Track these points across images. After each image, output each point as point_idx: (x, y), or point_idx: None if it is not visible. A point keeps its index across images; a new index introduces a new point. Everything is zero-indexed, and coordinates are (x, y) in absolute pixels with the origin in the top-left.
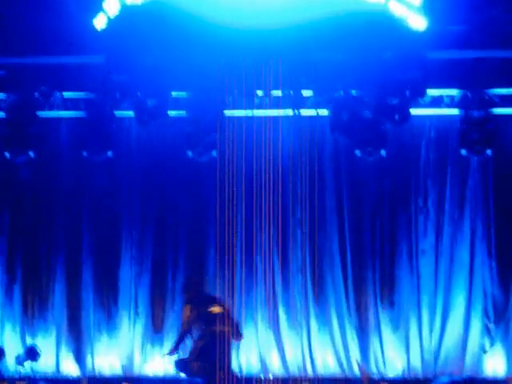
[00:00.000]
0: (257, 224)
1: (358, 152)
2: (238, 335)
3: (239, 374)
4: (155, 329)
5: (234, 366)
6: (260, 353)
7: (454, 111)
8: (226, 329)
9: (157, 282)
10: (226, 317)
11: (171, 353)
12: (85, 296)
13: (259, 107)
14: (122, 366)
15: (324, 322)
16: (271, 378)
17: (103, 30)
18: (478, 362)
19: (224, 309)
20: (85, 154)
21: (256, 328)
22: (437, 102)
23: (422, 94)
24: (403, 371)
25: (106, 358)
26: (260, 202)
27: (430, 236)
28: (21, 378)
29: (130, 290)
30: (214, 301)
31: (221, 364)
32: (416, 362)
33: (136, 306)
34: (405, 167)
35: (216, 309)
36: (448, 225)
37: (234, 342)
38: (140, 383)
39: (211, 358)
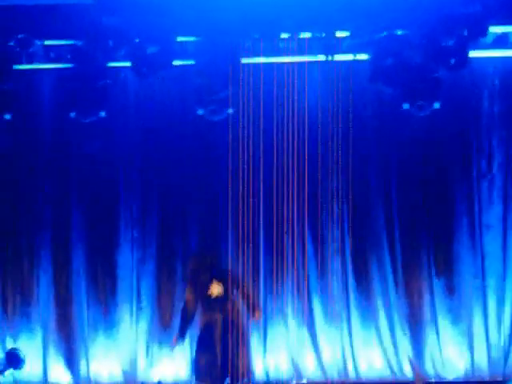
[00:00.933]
0: (282, 196)
1: (405, 105)
2: (254, 310)
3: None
4: (162, 326)
5: (257, 368)
6: (291, 354)
7: None
8: (234, 315)
9: (163, 270)
10: (232, 295)
11: (175, 342)
12: (76, 287)
13: (284, 53)
14: (124, 371)
15: (368, 314)
16: (305, 382)
17: None
18: None
19: (229, 286)
20: (73, 114)
21: (286, 324)
22: (502, 41)
23: (484, 32)
24: (466, 372)
25: (104, 362)
26: (285, 170)
27: (496, 207)
28: None
29: (131, 279)
30: (219, 278)
31: (229, 364)
32: (481, 362)
33: (139, 299)
34: (464, 123)
35: (215, 290)
36: None
37: (252, 322)
38: None
39: (211, 355)
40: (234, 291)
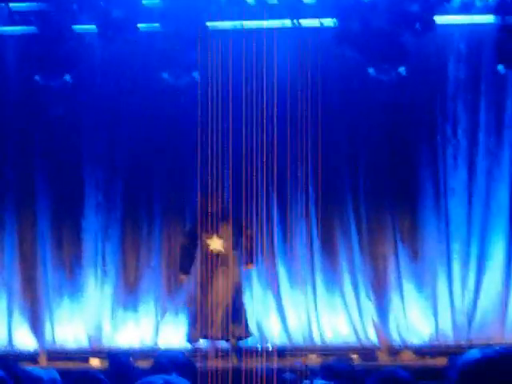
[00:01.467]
0: (248, 161)
1: (371, 70)
2: (251, 259)
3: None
4: (128, 290)
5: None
6: (256, 318)
7: (489, 18)
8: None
9: (129, 234)
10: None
11: (181, 280)
12: (41, 251)
13: (250, 17)
14: (89, 336)
15: (333, 278)
16: (271, 348)
17: None
18: None
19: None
20: (37, 78)
21: (251, 289)
22: (467, 6)
23: None
24: (430, 337)
25: (69, 327)
26: (251, 134)
27: (460, 172)
28: None
29: (95, 243)
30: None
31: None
32: (446, 326)
33: (104, 263)
34: (429, 88)
35: (215, 244)
36: (483, 157)
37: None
38: (112, 357)
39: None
40: (239, 238)
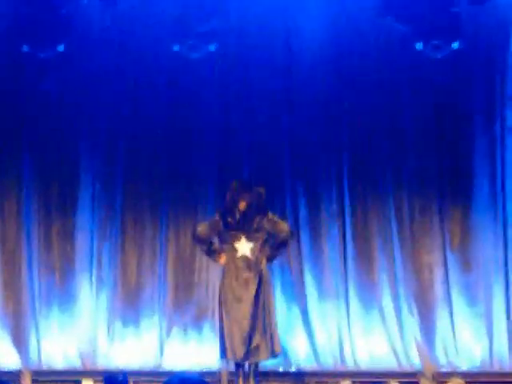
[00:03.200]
0: (272, 148)
1: (419, 45)
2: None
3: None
4: (128, 300)
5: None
6: (279, 336)
7: None
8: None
9: (129, 233)
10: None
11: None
12: (27, 252)
13: None
14: (81, 354)
15: (370, 290)
16: (294, 370)
17: None
18: None
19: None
20: (26, 48)
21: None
22: None
23: None
24: (483, 361)
25: (58, 343)
26: (276, 117)
27: None
28: None
29: (90, 243)
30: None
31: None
32: (501, 349)
33: (100, 268)
34: (487, 67)
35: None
36: None
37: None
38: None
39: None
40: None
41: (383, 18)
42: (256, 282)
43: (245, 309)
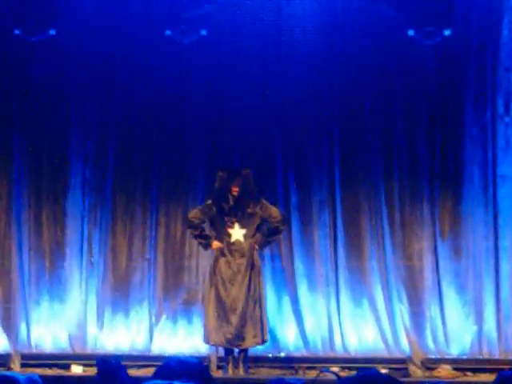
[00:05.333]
0: (263, 135)
1: (411, 32)
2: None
3: None
4: (118, 286)
5: None
6: (268, 323)
7: None
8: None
9: (120, 218)
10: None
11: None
12: (17, 237)
13: None
14: (70, 338)
15: (360, 278)
16: (283, 356)
17: None
18: None
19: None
20: (17, 32)
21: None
22: None
23: None
24: (472, 347)
25: (47, 327)
26: (268, 105)
27: None
28: None
29: (81, 228)
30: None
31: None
32: (491, 336)
33: (90, 252)
34: (479, 55)
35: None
36: None
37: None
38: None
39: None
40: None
41: (374, 4)
42: (248, 268)
43: (235, 294)
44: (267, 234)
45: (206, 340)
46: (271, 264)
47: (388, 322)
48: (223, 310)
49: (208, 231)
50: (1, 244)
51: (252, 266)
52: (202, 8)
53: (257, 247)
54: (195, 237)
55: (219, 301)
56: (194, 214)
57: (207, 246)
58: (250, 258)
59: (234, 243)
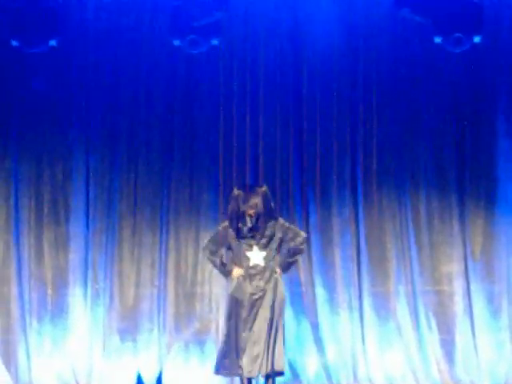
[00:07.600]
0: (281, 147)
1: (437, 39)
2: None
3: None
4: (125, 314)
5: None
6: (287, 352)
7: None
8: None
9: (127, 241)
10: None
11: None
12: (16, 263)
13: None
14: (74, 371)
15: (385, 303)
16: None
17: None
18: None
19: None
20: (15, 43)
21: None
22: None
23: None
24: (507, 378)
25: (50, 361)
26: (286, 115)
27: None
28: None
29: (85, 253)
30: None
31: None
32: None
33: (95, 279)
34: (509, 63)
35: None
36: None
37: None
38: None
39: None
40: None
41: (399, 10)
42: (271, 292)
43: (255, 324)
44: (288, 255)
45: (220, 371)
46: (289, 288)
47: (416, 350)
48: (242, 341)
49: (225, 256)
50: None
51: (274, 291)
52: (213, 16)
53: (280, 271)
54: (215, 265)
55: (237, 330)
56: (208, 243)
57: (227, 274)
58: (271, 281)
59: (253, 267)
